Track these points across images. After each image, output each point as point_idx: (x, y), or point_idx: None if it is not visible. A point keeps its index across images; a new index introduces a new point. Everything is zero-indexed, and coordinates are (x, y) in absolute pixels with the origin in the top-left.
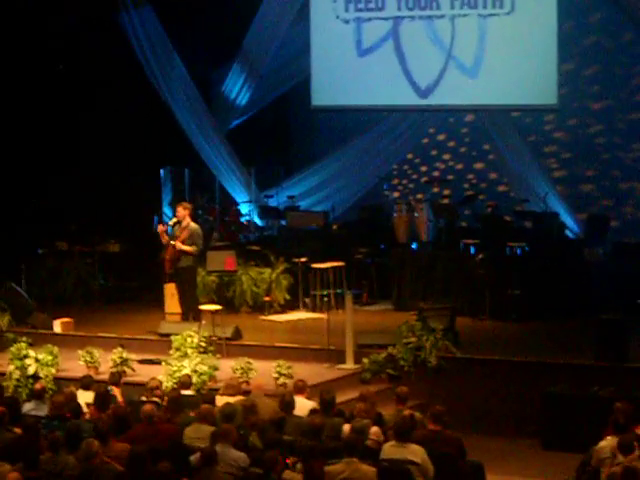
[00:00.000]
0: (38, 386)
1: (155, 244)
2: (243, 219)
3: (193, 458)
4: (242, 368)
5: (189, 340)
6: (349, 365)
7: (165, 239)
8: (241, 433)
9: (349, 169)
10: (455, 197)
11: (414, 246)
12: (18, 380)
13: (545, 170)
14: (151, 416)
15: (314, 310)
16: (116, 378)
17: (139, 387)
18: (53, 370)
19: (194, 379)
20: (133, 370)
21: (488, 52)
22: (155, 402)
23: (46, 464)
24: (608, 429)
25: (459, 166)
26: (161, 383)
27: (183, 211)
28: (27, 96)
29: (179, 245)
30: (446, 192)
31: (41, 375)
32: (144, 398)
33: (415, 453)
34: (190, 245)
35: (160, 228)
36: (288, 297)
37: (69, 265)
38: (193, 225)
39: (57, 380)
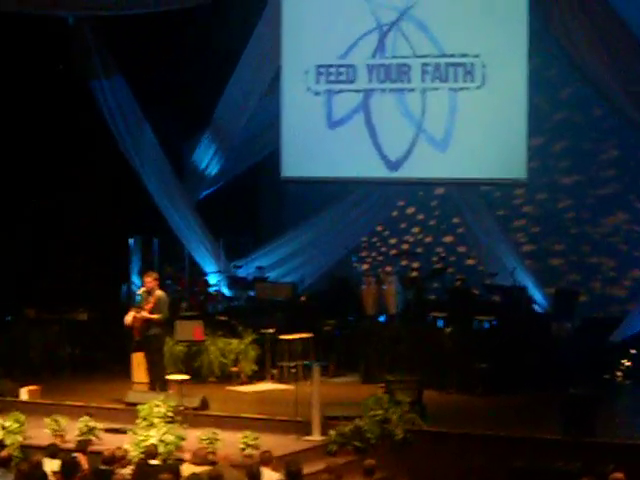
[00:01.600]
0: (4, 454)
1: (123, 313)
2: (212, 289)
3: None
4: (209, 438)
5: (156, 410)
6: (316, 437)
7: (129, 323)
8: None
9: (318, 241)
10: (424, 270)
11: (382, 318)
12: None
13: (514, 244)
14: None
15: (282, 381)
16: (83, 446)
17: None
18: (19, 438)
19: (161, 449)
20: (99, 439)
21: (458, 125)
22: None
23: None
24: None
25: (428, 239)
26: (127, 452)
27: (152, 281)
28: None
29: (145, 314)
30: (415, 265)
31: (7, 443)
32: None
33: None
34: (157, 313)
35: (128, 320)
36: (255, 368)
37: (37, 333)
38: (159, 292)
39: (23, 448)
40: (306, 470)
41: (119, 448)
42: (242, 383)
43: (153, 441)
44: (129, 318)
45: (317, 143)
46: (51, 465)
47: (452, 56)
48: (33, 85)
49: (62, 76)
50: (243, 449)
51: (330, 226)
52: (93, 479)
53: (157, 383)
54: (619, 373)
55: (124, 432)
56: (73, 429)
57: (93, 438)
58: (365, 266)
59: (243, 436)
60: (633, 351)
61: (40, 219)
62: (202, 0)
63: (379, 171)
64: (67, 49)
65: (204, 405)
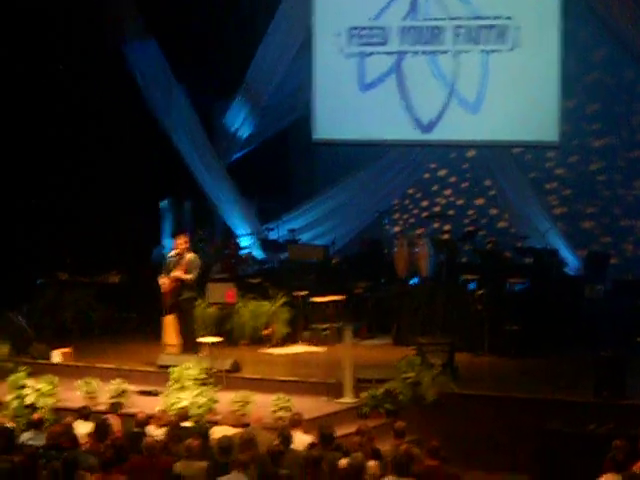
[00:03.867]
0: (36, 416)
1: (155, 276)
2: (243, 252)
3: None
4: (241, 401)
5: (188, 372)
6: (347, 399)
7: (164, 288)
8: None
9: (350, 203)
10: (455, 232)
11: (414, 281)
12: (16, 410)
13: (546, 207)
14: (152, 449)
15: (313, 344)
16: (115, 409)
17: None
18: (51, 400)
19: (193, 411)
20: (132, 401)
21: (490, 88)
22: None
23: None
24: (606, 467)
25: (460, 202)
26: (164, 414)
27: (184, 244)
28: (29, 119)
29: (178, 274)
30: (446, 227)
31: (39, 405)
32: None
33: None
34: (186, 274)
35: (163, 284)
36: (288, 330)
37: (69, 296)
38: (191, 255)
39: (56, 410)
40: (338, 432)
41: (161, 411)
42: (274, 345)
43: (185, 404)
44: (163, 283)
45: (349, 106)
46: (84, 427)
47: (485, 18)
48: (66, 47)
49: (95, 38)
50: (275, 411)
51: (362, 189)
52: (126, 441)
53: (189, 345)
54: None
55: (156, 394)
56: (105, 391)
57: (125, 401)
58: (397, 228)
59: (275, 398)
60: None
61: (72, 181)
62: None
63: (411, 133)
64: (100, 12)
65: (236, 368)
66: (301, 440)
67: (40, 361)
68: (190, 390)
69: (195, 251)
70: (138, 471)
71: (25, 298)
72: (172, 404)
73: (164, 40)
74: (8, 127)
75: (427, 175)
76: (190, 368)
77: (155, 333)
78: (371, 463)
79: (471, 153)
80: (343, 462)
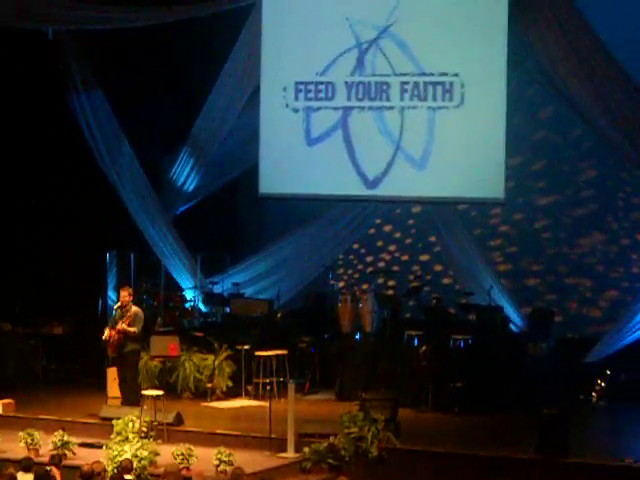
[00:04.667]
0: None
1: (99, 328)
2: (187, 305)
3: None
4: (183, 454)
5: (130, 425)
6: (290, 454)
7: (107, 337)
8: None
9: (295, 257)
10: (400, 288)
11: (358, 336)
12: None
13: (490, 263)
14: None
15: (257, 398)
16: (56, 460)
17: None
18: None
19: (135, 464)
20: (74, 453)
21: (436, 144)
22: None
23: None
24: None
25: (405, 257)
26: (105, 470)
27: (128, 297)
28: None
29: (123, 327)
30: (391, 283)
31: None
32: None
33: None
34: (130, 326)
35: (106, 336)
36: (231, 384)
37: (12, 346)
38: (135, 308)
39: None
40: None
41: (98, 462)
42: (217, 399)
43: (127, 456)
44: (106, 334)
45: (295, 160)
46: (25, 479)
47: (431, 75)
48: (13, 95)
49: (41, 87)
50: (217, 465)
51: (307, 243)
52: None
53: (132, 398)
54: (594, 394)
55: (99, 447)
56: (47, 443)
57: (67, 452)
58: (341, 283)
59: (217, 452)
60: (608, 372)
61: (18, 229)
62: (181, 16)
63: (357, 189)
64: (45, 62)
65: (179, 420)
66: None
67: None
68: (132, 443)
69: (139, 303)
70: None
71: None
72: (114, 456)
73: (110, 91)
74: None
75: (372, 230)
76: (132, 421)
77: (98, 385)
78: None
79: (416, 209)
80: None
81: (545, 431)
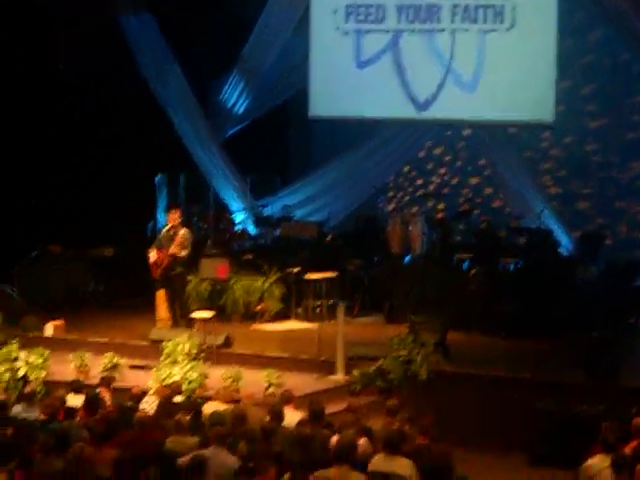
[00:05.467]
0: (28, 389)
1: (148, 250)
2: (237, 228)
3: (181, 462)
4: (232, 376)
5: (180, 347)
6: (339, 376)
7: (157, 261)
8: (229, 442)
9: (345, 180)
10: (450, 211)
11: (408, 259)
12: (8, 382)
13: (541, 187)
14: (143, 424)
15: (306, 320)
16: (106, 382)
17: (129, 392)
18: (43, 373)
19: (184, 386)
20: (123, 375)
21: (487, 67)
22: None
23: (37, 466)
24: (596, 447)
25: (455, 180)
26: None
27: (177, 218)
28: (26, 98)
29: (173, 250)
30: (441, 206)
31: (31, 378)
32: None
33: (403, 466)
34: (181, 250)
35: (152, 258)
36: (280, 306)
37: (62, 269)
38: (184, 229)
39: (47, 383)
40: (329, 410)
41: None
42: (266, 321)
43: (176, 378)
44: (152, 256)
45: (345, 82)
46: (75, 400)
47: None
48: (65, 21)
49: (92, 12)
50: (266, 387)
51: (357, 165)
52: (117, 415)
53: (181, 320)
54: None
55: (148, 369)
56: (97, 365)
57: (117, 374)
58: (391, 206)
59: (266, 374)
60: None
61: (70, 154)
62: None
63: (407, 111)
64: None
65: (228, 343)
66: (291, 417)
67: (32, 334)
68: (181, 365)
69: (188, 226)
70: (129, 446)
71: (18, 270)
72: (163, 379)
73: (161, 16)
74: (8, 101)
75: (422, 153)
76: (182, 343)
77: (148, 307)
78: (362, 441)
79: (467, 132)
80: (333, 440)
81: (594, 355)
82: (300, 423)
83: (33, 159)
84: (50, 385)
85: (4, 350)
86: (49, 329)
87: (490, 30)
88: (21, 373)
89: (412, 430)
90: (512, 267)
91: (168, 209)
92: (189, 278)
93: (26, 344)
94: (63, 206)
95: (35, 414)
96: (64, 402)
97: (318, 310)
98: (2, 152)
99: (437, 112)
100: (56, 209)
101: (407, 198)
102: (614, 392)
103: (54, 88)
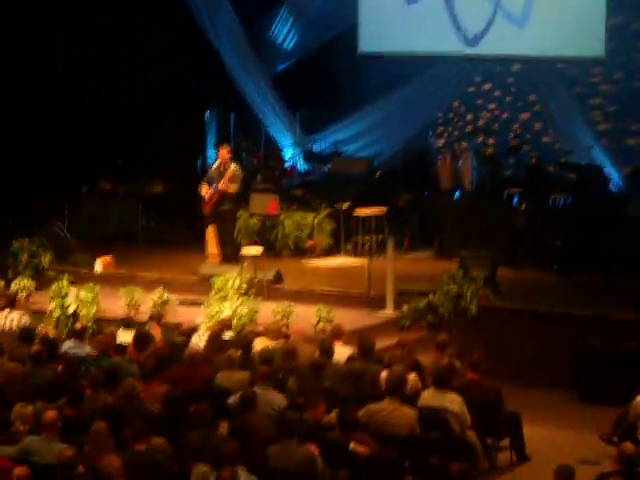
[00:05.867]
0: (78, 325)
1: (198, 186)
2: (287, 163)
3: (232, 400)
4: (282, 311)
5: (230, 282)
6: (389, 311)
7: (207, 196)
8: (279, 377)
9: (394, 116)
10: (500, 147)
11: (457, 194)
12: (58, 318)
13: (590, 122)
14: (194, 359)
15: (356, 255)
16: (156, 318)
17: (179, 328)
18: (94, 309)
19: (234, 321)
20: (173, 311)
21: (536, 2)
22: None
23: (87, 402)
24: None
25: (504, 116)
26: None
27: (227, 154)
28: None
29: (223, 186)
30: (490, 141)
31: (81, 314)
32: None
33: (453, 401)
34: (230, 185)
35: (203, 193)
36: (330, 242)
37: (112, 205)
38: (234, 165)
39: (97, 319)
40: (378, 345)
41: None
42: (316, 257)
43: (227, 313)
44: (203, 191)
45: (394, 18)
46: (125, 336)
47: None
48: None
49: None
50: (316, 322)
51: (407, 101)
52: (167, 351)
53: (231, 256)
54: None
55: (198, 304)
56: (147, 301)
57: (167, 310)
58: (441, 141)
59: (317, 309)
60: None
61: (120, 90)
62: None
63: (456, 47)
64: None
65: (278, 278)
66: (341, 352)
67: (82, 270)
68: (232, 300)
69: (238, 162)
70: (179, 381)
71: (68, 206)
72: (213, 314)
73: None
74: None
75: (472, 89)
76: (232, 278)
77: (197, 243)
78: (412, 376)
79: (516, 67)
80: (383, 375)
81: None
82: (350, 358)
83: (88, 89)
84: (100, 321)
85: (54, 286)
86: (99, 265)
87: None
88: (71, 309)
89: (461, 365)
90: (562, 202)
91: (218, 145)
92: (239, 213)
93: (76, 280)
94: (113, 142)
95: (86, 350)
96: (114, 338)
97: (368, 245)
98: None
99: (486, 48)
100: (105, 145)
101: (457, 133)
102: None
103: (105, 23)
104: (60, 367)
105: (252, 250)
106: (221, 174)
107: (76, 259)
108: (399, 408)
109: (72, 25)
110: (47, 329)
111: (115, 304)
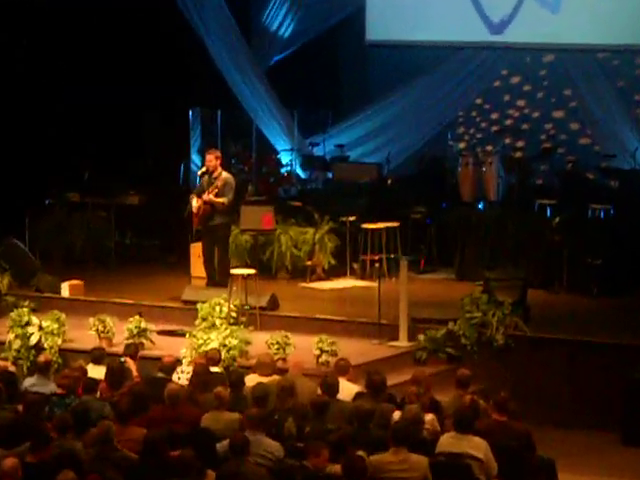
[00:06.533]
0: (42, 358)
1: (180, 197)
2: (283, 170)
3: (220, 447)
4: (278, 343)
5: (218, 309)
6: (402, 342)
7: (196, 209)
8: (275, 418)
9: (408, 115)
10: (530, 150)
11: (481, 206)
12: (18, 351)
13: (635, 120)
14: (176, 397)
15: (363, 277)
16: (132, 351)
17: (159, 362)
18: (59, 340)
19: (222, 354)
20: (152, 342)
21: None
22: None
23: (52, 448)
24: None
25: (535, 114)
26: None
27: (214, 160)
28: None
29: (210, 197)
30: (519, 144)
31: (45, 346)
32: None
33: (477, 447)
34: (219, 196)
35: (195, 206)
36: (333, 262)
37: (80, 218)
38: (225, 174)
39: (63, 352)
40: (390, 381)
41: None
42: (318, 279)
43: (214, 345)
44: (195, 204)
45: (408, 2)
46: (96, 372)
47: None
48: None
49: None
50: (318, 356)
51: (422, 98)
52: (145, 388)
53: (218, 279)
54: None
55: (181, 335)
56: (121, 331)
57: (145, 341)
58: (462, 144)
59: (318, 341)
60: None
61: (92, 81)
62: None
63: (479, 34)
64: None
65: (273, 304)
66: (348, 389)
67: (47, 295)
68: (219, 330)
69: (227, 169)
70: (159, 423)
71: (30, 221)
72: (199, 346)
73: None
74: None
75: (498, 83)
76: (220, 304)
77: (181, 264)
78: (429, 417)
79: (549, 58)
80: (396, 415)
81: None
82: (357, 396)
83: (56, 84)
84: (67, 354)
85: (14, 314)
86: (65, 289)
87: None
88: (34, 340)
89: (486, 405)
90: (603, 214)
91: (204, 150)
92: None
93: (39, 307)
94: (82, 144)
95: (50, 388)
96: (84, 373)
97: (377, 265)
98: (12, 88)
99: (514, 35)
100: (71, 150)
101: (480, 135)
102: None
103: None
104: (21, 407)
105: (243, 272)
106: (211, 183)
107: (39, 282)
108: (408, 458)
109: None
110: (5, 364)
111: (84, 334)
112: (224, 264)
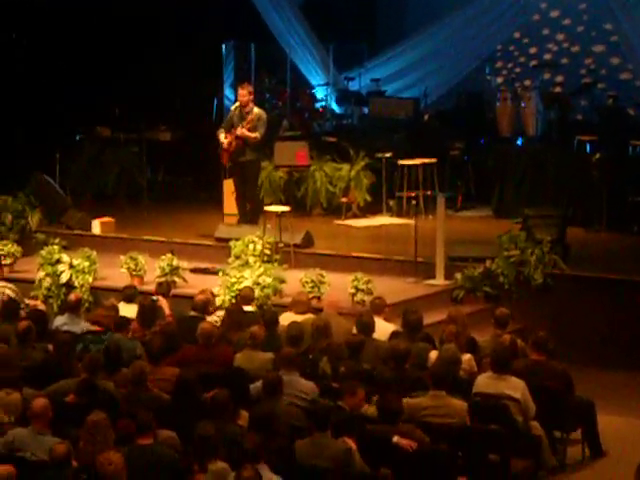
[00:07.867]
0: (72, 297)
1: (213, 133)
2: (318, 105)
3: (254, 387)
4: (313, 281)
5: (251, 247)
6: (439, 281)
7: (226, 144)
8: (310, 358)
9: (445, 49)
10: (569, 85)
11: (520, 142)
12: (49, 289)
13: None
14: (210, 337)
15: (399, 215)
16: (164, 289)
17: (191, 300)
18: (90, 278)
19: (256, 293)
20: (184, 280)
21: None
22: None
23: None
24: None
25: (575, 48)
26: (214, 296)
27: (247, 95)
28: None
29: (242, 132)
30: (559, 79)
31: (76, 284)
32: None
33: (514, 387)
34: (252, 131)
35: (223, 137)
36: (369, 198)
37: (112, 154)
38: (257, 110)
39: (95, 290)
40: (427, 320)
41: (203, 291)
42: (353, 216)
43: (247, 284)
44: (226, 140)
45: None
46: (127, 310)
47: None
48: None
49: None
50: (353, 294)
51: (459, 31)
52: (177, 327)
53: (252, 216)
54: None
55: (214, 273)
56: (153, 269)
57: (177, 279)
58: (500, 79)
59: (353, 279)
60: None
61: (121, 17)
62: None
63: None
64: None
65: (308, 242)
66: (383, 328)
67: (77, 232)
68: (253, 268)
69: (261, 103)
70: (192, 363)
71: (61, 157)
72: (232, 284)
73: None
74: None
75: (536, 17)
76: (254, 242)
77: (213, 201)
78: (466, 357)
79: None
80: (432, 355)
81: None
82: (393, 336)
83: (86, 22)
84: (98, 293)
85: (44, 252)
86: (97, 226)
87: None
88: (64, 278)
89: (524, 345)
90: None
91: (237, 85)
92: (262, 165)
93: (70, 244)
94: (114, 79)
95: (81, 327)
96: (115, 312)
97: (414, 202)
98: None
99: None
100: (106, 83)
101: (518, 70)
102: None
103: None
104: (51, 347)
105: (277, 208)
106: (242, 118)
107: (69, 219)
108: (446, 403)
109: None
110: (36, 302)
111: (115, 272)
112: (255, 201)
